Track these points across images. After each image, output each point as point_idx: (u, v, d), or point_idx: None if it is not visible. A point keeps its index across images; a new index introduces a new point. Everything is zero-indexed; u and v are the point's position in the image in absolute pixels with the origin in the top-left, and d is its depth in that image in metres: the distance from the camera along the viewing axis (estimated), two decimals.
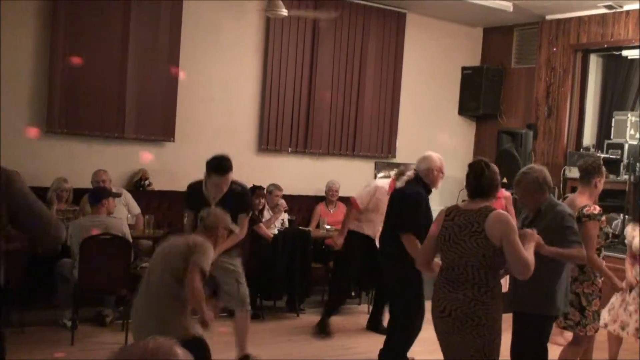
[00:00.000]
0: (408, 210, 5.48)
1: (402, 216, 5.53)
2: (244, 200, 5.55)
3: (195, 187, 5.59)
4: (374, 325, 7.20)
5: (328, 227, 8.32)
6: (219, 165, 5.40)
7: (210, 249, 4.32)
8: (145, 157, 8.08)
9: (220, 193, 5.44)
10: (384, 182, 7.00)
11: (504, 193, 7.54)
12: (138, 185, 8.03)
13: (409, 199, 5.52)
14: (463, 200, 4.24)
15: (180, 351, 1.41)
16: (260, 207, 7.70)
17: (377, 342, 6.37)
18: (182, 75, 8.23)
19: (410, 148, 9.48)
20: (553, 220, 4.43)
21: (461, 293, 3.86)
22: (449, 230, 3.94)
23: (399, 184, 5.80)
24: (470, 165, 4.06)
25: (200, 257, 4.19)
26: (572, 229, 4.42)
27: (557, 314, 4.59)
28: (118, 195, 6.98)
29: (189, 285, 4.10)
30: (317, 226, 8.61)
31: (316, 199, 9.06)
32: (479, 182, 3.99)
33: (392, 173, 6.90)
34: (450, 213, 3.99)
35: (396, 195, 5.75)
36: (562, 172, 9.33)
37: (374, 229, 7.03)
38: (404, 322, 5.65)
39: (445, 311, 3.89)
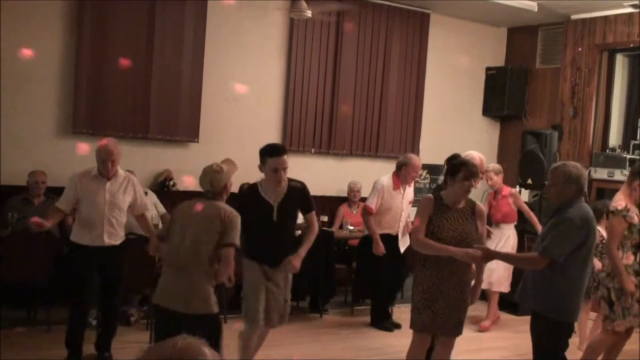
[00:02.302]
0: None
1: None
2: (307, 197, 5.21)
3: (251, 190, 5.24)
4: (379, 322, 7.30)
5: (351, 227, 8.32)
6: (275, 147, 5.17)
7: (239, 219, 4.40)
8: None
9: (279, 192, 5.06)
10: (388, 180, 7.06)
11: (510, 190, 7.58)
12: (162, 186, 8.09)
13: None
14: None
15: (208, 351, 1.42)
16: None
17: (401, 343, 6.37)
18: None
19: (433, 149, 9.45)
20: (553, 223, 4.41)
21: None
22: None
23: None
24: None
25: (235, 235, 4.35)
26: (554, 235, 4.32)
27: (572, 320, 4.51)
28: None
29: (227, 261, 4.31)
30: (340, 227, 8.62)
31: (339, 200, 9.07)
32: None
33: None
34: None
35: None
36: (587, 173, 9.23)
37: (395, 225, 7.07)
38: None
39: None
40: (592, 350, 5.54)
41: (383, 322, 7.30)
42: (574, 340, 4.97)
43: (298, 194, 5.12)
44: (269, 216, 5.06)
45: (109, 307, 5.68)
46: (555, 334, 4.43)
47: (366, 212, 7.14)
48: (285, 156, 5.05)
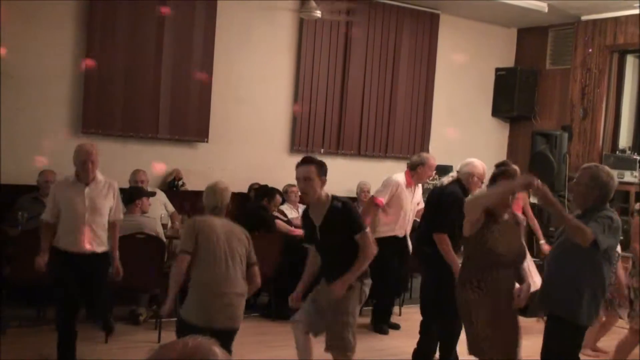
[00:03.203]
0: (446, 210, 5.54)
1: (441, 216, 5.61)
2: (351, 216, 4.72)
3: (305, 211, 4.97)
4: (379, 324, 7.20)
5: None
6: (301, 160, 4.87)
7: None
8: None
9: (321, 210, 4.74)
10: (402, 177, 6.98)
11: (520, 194, 7.49)
12: (172, 185, 8.10)
13: (448, 198, 5.58)
14: None
15: (218, 351, 1.42)
16: (275, 208, 7.70)
17: (408, 343, 6.36)
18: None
19: (443, 149, 9.43)
20: (591, 219, 4.24)
21: None
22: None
23: (445, 180, 5.78)
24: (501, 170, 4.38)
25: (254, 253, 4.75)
26: (601, 223, 4.17)
27: (585, 323, 4.42)
28: (152, 194, 7.04)
29: (257, 278, 4.74)
30: None
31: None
32: None
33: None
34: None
35: (435, 194, 5.83)
36: None
37: (404, 227, 7.02)
38: (444, 320, 5.65)
39: None
40: (620, 351, 5.57)
41: (382, 325, 7.19)
42: None
43: (339, 214, 4.70)
44: (315, 235, 4.84)
45: (93, 312, 5.57)
46: (577, 337, 4.41)
47: (372, 204, 6.96)
48: (306, 167, 4.73)
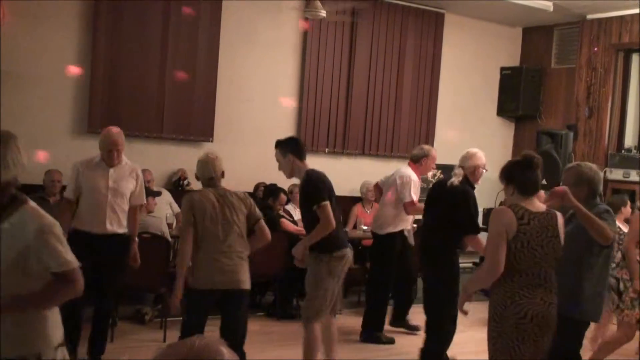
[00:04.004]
0: (472, 211, 5.45)
1: (467, 218, 5.45)
2: (307, 190, 5.16)
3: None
4: (400, 321, 7.19)
5: (365, 227, 8.30)
6: None
7: None
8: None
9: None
10: (411, 171, 6.88)
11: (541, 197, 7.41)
12: (177, 185, 8.11)
13: (467, 198, 5.47)
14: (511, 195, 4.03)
15: (226, 350, 1.43)
16: (280, 207, 7.69)
17: (414, 342, 6.36)
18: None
19: (448, 149, 9.40)
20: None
21: (538, 297, 3.82)
22: (527, 236, 3.80)
23: (455, 180, 5.61)
24: (528, 158, 3.99)
25: (258, 210, 4.94)
26: (607, 220, 4.24)
27: (583, 317, 4.42)
28: (158, 194, 7.06)
29: (264, 232, 4.90)
30: (354, 227, 8.61)
31: (353, 200, 9.06)
32: (536, 176, 3.95)
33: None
34: (524, 216, 3.83)
35: (447, 192, 5.57)
36: (602, 174, 9.18)
37: (409, 220, 7.01)
38: (438, 321, 5.61)
39: (527, 317, 3.80)
40: (608, 345, 5.54)
41: (377, 332, 6.93)
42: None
43: (302, 188, 5.26)
44: None
45: (102, 304, 5.47)
46: (578, 334, 4.42)
47: (411, 206, 6.83)
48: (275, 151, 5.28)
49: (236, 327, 4.72)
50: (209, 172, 4.80)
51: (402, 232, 6.98)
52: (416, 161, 6.93)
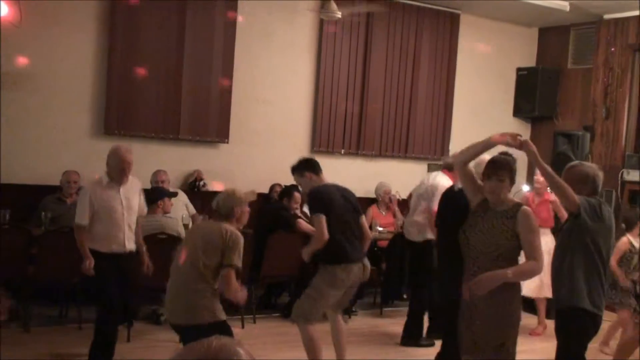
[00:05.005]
0: None
1: None
2: (309, 202, 5.56)
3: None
4: (413, 339, 6.92)
5: (380, 229, 8.31)
6: None
7: (242, 240, 4.45)
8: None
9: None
10: (445, 180, 6.66)
11: (550, 196, 7.37)
12: (193, 186, 8.14)
13: None
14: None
15: (243, 351, 1.43)
16: (296, 205, 7.70)
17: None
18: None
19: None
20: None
21: None
22: None
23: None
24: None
25: (236, 256, 4.38)
26: (588, 201, 4.28)
27: (589, 308, 4.36)
28: (174, 194, 7.08)
29: (226, 282, 4.38)
30: (370, 228, 8.58)
31: (368, 201, 9.05)
32: None
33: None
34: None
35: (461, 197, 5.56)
36: (619, 175, 9.12)
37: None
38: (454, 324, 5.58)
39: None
40: (624, 349, 5.52)
41: (417, 336, 6.91)
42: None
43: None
44: None
45: (124, 319, 5.61)
46: (581, 330, 4.41)
47: (432, 216, 6.67)
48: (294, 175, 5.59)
49: None
50: (214, 204, 4.64)
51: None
52: (450, 169, 6.79)
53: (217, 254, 4.37)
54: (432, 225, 6.63)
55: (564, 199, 4.26)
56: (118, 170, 5.30)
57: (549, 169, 4.22)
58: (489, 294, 4.01)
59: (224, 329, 4.43)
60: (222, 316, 4.46)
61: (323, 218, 5.21)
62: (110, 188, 5.31)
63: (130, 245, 5.40)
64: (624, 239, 6.12)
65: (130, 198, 5.41)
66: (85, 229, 5.25)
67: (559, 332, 4.50)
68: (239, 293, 4.46)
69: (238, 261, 4.41)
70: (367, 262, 5.52)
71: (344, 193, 5.51)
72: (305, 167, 5.49)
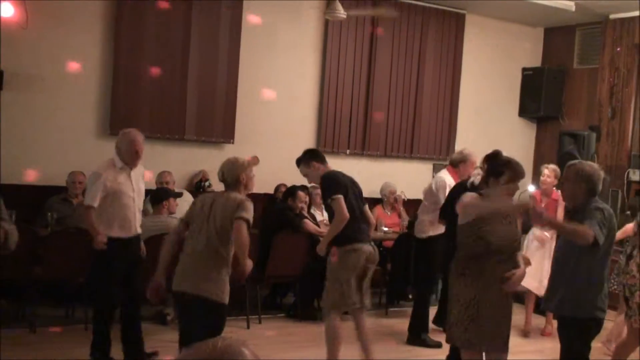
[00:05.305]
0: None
1: None
2: (322, 187, 5.58)
3: None
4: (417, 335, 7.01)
5: (385, 229, 8.31)
6: None
7: (251, 205, 4.46)
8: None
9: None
10: (448, 178, 6.83)
11: (558, 195, 7.37)
12: (199, 186, 8.15)
13: None
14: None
15: (248, 352, 1.43)
16: (301, 206, 7.70)
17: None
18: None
19: (469, 150, 9.37)
20: (584, 217, 4.32)
21: None
22: None
23: (474, 180, 5.60)
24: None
25: (245, 213, 4.38)
26: (592, 218, 4.25)
27: (591, 315, 4.40)
28: (179, 195, 7.10)
29: (237, 232, 4.34)
30: (375, 228, 8.58)
31: (373, 201, 9.04)
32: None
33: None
34: None
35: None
36: (625, 175, 9.10)
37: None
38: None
39: None
40: (620, 351, 5.50)
41: (423, 334, 6.97)
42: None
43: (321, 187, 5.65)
44: None
45: (135, 306, 5.59)
46: (586, 335, 4.41)
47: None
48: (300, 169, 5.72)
49: None
50: (219, 175, 4.70)
51: (444, 235, 6.94)
52: (455, 165, 6.88)
53: (231, 225, 4.38)
54: (437, 220, 6.72)
55: (580, 239, 4.22)
56: (131, 153, 5.36)
57: (558, 222, 4.49)
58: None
59: (222, 313, 4.47)
60: (226, 299, 4.47)
61: (342, 198, 5.33)
62: (123, 171, 5.38)
63: (138, 229, 5.49)
64: (630, 225, 6.09)
65: (139, 183, 5.51)
66: (96, 211, 5.26)
67: (562, 335, 4.49)
68: (247, 259, 4.39)
69: (249, 217, 4.40)
70: (374, 245, 5.66)
71: (352, 180, 5.70)
72: (311, 157, 5.59)
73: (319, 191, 7.74)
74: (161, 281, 4.58)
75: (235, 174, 4.54)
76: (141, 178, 5.60)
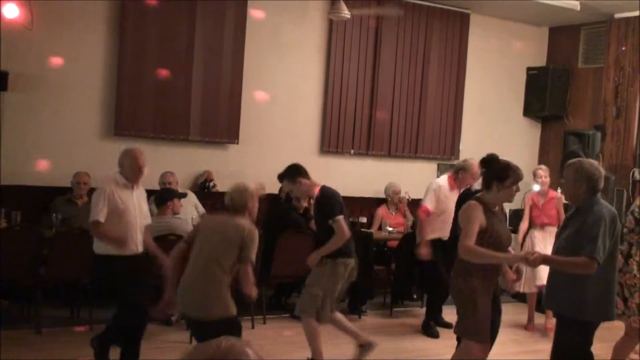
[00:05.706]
0: None
1: None
2: (323, 206, 5.64)
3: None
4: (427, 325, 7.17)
5: (390, 229, 8.30)
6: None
7: (257, 236, 4.66)
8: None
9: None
10: (444, 181, 6.98)
11: (556, 194, 7.38)
12: (203, 187, 8.16)
13: None
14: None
15: (251, 352, 1.43)
16: (305, 203, 7.69)
17: (440, 345, 6.33)
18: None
19: (473, 150, 9.34)
20: (584, 223, 4.30)
21: None
22: None
23: (476, 186, 5.69)
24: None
25: (252, 251, 4.59)
26: (592, 238, 4.21)
27: (591, 318, 4.39)
28: (183, 195, 7.10)
29: (244, 277, 4.58)
30: (379, 228, 8.59)
31: (378, 201, 9.05)
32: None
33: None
34: None
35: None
36: (631, 175, 9.08)
37: (446, 230, 6.95)
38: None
39: None
40: (619, 351, 5.47)
41: (430, 326, 7.12)
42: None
43: (317, 205, 5.71)
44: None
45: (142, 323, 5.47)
46: (584, 334, 4.39)
47: (421, 213, 7.04)
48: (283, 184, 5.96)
49: None
50: (227, 199, 4.81)
51: (440, 239, 6.95)
52: (455, 172, 6.93)
53: (234, 250, 4.53)
54: (422, 219, 7.01)
55: (582, 271, 4.26)
56: (134, 170, 5.27)
57: (556, 259, 4.45)
58: None
59: (235, 325, 4.56)
60: (234, 311, 4.58)
61: (343, 219, 5.54)
62: (126, 188, 5.29)
63: (139, 248, 5.35)
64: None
65: (142, 203, 5.43)
66: (103, 225, 5.15)
67: (562, 335, 4.46)
68: (254, 288, 4.65)
69: (254, 256, 4.65)
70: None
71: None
72: (296, 173, 5.69)
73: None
74: (172, 299, 4.74)
75: (244, 202, 4.72)
76: (144, 199, 5.49)
